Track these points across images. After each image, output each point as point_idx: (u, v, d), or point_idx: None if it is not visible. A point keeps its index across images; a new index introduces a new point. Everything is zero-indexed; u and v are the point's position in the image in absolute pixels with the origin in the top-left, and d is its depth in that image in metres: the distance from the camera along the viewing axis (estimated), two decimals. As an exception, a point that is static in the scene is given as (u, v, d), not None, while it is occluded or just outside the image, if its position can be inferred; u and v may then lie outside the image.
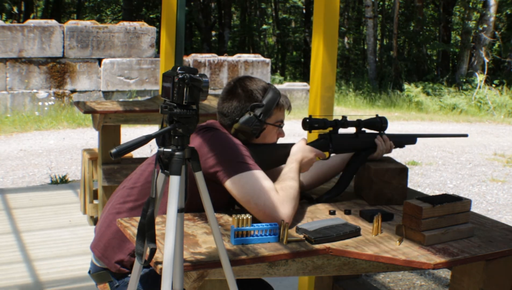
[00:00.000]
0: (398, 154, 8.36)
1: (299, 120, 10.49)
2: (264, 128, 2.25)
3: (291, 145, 2.31)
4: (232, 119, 2.23)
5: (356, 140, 2.40)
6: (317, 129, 2.34)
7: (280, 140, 2.38)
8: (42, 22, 10.68)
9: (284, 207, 2.01)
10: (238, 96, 2.24)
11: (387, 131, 2.46)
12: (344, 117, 2.37)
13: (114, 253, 2.15)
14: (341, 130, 2.40)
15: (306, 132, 2.52)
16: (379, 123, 2.41)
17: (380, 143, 2.39)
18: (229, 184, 2.05)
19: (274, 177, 2.23)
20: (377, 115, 2.43)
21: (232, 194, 2.07)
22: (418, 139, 2.57)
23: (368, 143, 2.40)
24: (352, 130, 2.43)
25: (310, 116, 2.36)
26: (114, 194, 2.28)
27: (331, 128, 2.37)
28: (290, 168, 2.20)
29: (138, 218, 1.99)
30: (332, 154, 2.42)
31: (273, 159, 2.30)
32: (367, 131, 2.44)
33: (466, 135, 2.71)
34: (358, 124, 2.40)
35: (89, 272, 2.29)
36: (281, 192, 2.05)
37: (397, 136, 2.48)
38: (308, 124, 2.32)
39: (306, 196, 2.33)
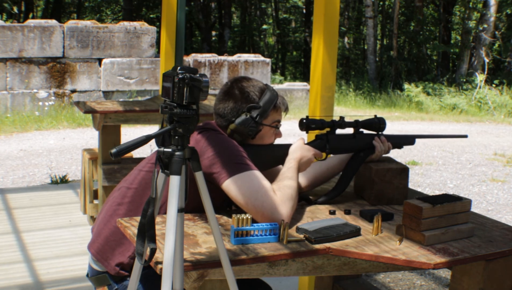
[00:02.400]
0: (398, 154, 8.36)
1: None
2: (260, 130, 2.24)
3: (289, 145, 2.30)
4: (228, 120, 2.21)
5: (354, 140, 2.38)
6: (314, 129, 2.32)
7: (278, 141, 2.38)
8: (42, 22, 10.68)
9: (283, 208, 2.00)
10: (235, 97, 2.22)
11: (385, 132, 2.45)
12: (341, 118, 2.35)
13: (112, 255, 2.14)
14: (339, 131, 2.39)
15: (305, 132, 2.51)
16: (377, 123, 2.39)
17: (378, 145, 2.38)
18: (226, 185, 2.03)
19: (272, 177, 2.21)
20: (375, 116, 2.42)
21: (230, 196, 2.05)
22: (418, 139, 2.56)
23: (365, 144, 2.38)
24: (350, 130, 2.42)
25: (307, 116, 2.34)
26: (112, 194, 2.28)
27: (328, 129, 2.36)
28: (288, 168, 2.19)
29: (138, 218, 1.99)
30: (330, 155, 2.41)
31: (271, 159, 2.28)
32: (365, 131, 2.43)
33: (465, 136, 2.66)
34: (355, 124, 2.38)
35: (87, 275, 2.28)
36: (278, 192, 2.04)
37: (395, 137, 2.46)
38: (305, 124, 2.30)
39: (304, 197, 2.32)
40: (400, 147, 2.47)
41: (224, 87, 2.29)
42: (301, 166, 2.25)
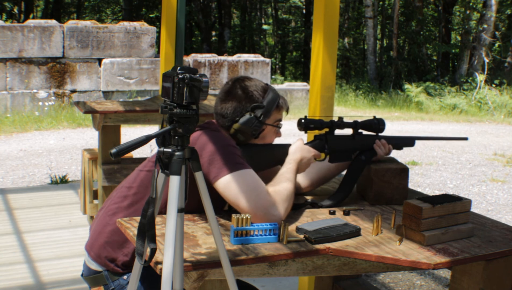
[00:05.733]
0: (398, 154, 8.36)
1: (299, 120, 10.48)
2: (263, 129, 2.23)
3: (288, 145, 2.29)
4: (232, 120, 2.20)
5: (353, 141, 2.37)
6: (312, 129, 2.31)
7: (277, 140, 2.37)
8: (42, 22, 10.67)
9: (277, 208, 1.99)
10: (238, 96, 2.20)
11: (385, 132, 2.44)
12: (340, 118, 2.34)
13: (110, 254, 2.13)
14: (338, 131, 2.38)
15: (304, 132, 2.50)
16: (376, 124, 2.38)
17: (379, 150, 2.37)
18: (218, 184, 2.01)
19: (270, 178, 2.21)
20: (374, 117, 2.41)
21: (222, 195, 2.03)
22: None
23: (364, 145, 2.37)
24: (349, 131, 2.41)
25: (305, 116, 2.34)
26: (112, 194, 2.27)
27: (327, 129, 2.36)
28: (287, 169, 2.18)
29: (138, 218, 1.99)
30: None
31: (270, 159, 2.28)
32: (364, 132, 2.42)
33: (466, 139, 2.61)
34: (354, 125, 2.37)
35: (82, 275, 2.26)
36: (273, 193, 2.03)
37: (394, 138, 2.45)
38: (304, 124, 2.30)
39: (310, 203, 2.29)
40: (399, 148, 2.47)
41: (225, 87, 2.26)
42: (301, 167, 2.24)
